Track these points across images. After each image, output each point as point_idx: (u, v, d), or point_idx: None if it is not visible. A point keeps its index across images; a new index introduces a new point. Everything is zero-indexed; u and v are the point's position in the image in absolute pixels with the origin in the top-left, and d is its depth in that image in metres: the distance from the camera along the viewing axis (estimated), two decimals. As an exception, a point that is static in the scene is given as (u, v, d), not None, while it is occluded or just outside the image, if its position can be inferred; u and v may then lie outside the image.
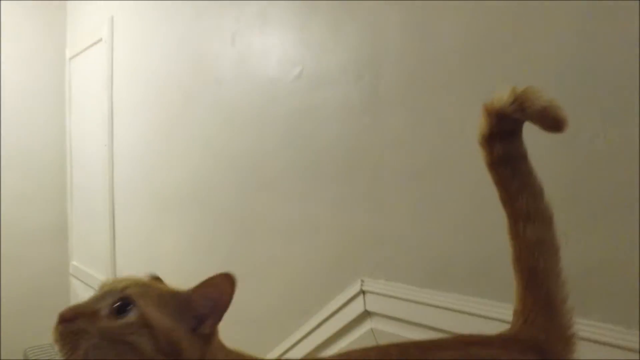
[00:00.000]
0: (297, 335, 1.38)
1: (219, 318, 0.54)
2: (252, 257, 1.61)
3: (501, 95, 0.59)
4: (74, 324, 0.49)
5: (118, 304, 0.50)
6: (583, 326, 0.71)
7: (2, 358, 3.01)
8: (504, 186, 0.64)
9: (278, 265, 1.52)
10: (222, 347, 0.58)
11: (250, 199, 1.65)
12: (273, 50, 1.56)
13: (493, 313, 0.93)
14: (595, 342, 0.80)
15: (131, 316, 0.50)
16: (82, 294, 3.07)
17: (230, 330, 1.57)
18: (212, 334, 0.54)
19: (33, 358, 2.91)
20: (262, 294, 1.52)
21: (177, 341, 0.51)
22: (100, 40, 2.74)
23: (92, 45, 2.86)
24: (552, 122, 0.55)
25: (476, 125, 0.64)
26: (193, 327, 0.53)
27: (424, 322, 1.07)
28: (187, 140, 2.02)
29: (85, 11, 3.04)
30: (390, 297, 1.14)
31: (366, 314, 1.19)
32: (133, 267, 2.43)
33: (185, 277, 1.81)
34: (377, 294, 1.17)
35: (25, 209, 3.11)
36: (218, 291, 0.53)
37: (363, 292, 1.19)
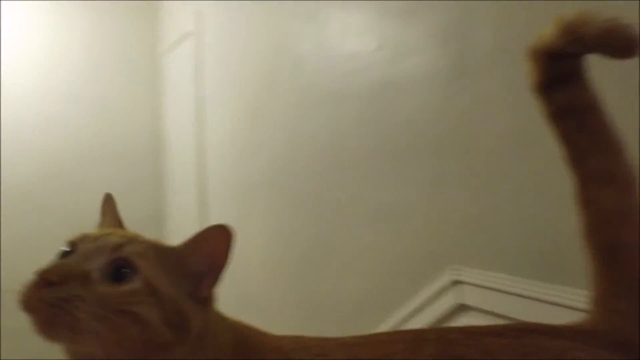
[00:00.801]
0: (383, 328, 1.28)
1: (216, 278, 0.46)
2: (335, 245, 1.53)
3: (546, 31, 0.45)
4: (63, 289, 0.39)
5: (114, 266, 0.42)
6: None
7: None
8: (570, 143, 0.51)
9: (362, 252, 1.42)
10: (222, 316, 0.50)
11: (331, 183, 1.56)
12: (352, 24, 1.46)
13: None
14: None
15: (135, 282, 0.41)
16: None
17: (310, 320, 1.50)
18: (210, 298, 0.46)
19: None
20: (345, 283, 1.44)
21: (184, 310, 0.43)
22: (189, 34, 2.81)
23: (182, 40, 2.94)
24: (620, 44, 0.42)
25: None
26: (190, 291, 0.45)
27: (529, 319, 0.91)
28: (270, 127, 1.98)
29: (174, 7, 3.14)
30: (490, 289, 1.00)
31: (461, 308, 1.05)
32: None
33: (270, 266, 1.78)
34: (474, 284, 1.02)
35: (124, 199, 3.26)
36: (213, 246, 0.46)
37: (457, 282, 1.05)
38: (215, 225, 0.46)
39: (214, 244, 0.46)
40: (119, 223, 0.56)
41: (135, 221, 2.72)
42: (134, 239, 0.46)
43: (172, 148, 3.24)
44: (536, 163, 0.93)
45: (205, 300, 0.46)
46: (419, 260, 1.20)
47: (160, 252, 0.46)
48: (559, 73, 0.49)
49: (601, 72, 0.62)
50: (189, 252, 0.46)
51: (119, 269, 0.42)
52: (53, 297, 0.39)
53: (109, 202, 0.57)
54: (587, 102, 0.50)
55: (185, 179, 2.95)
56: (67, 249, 0.45)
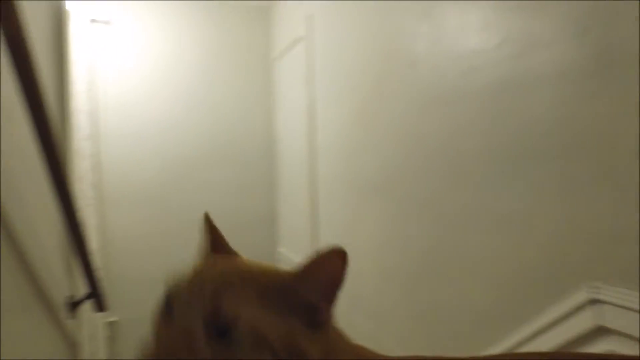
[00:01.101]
0: (506, 344, 1.19)
1: (333, 301, 0.43)
2: (454, 254, 1.46)
3: None
4: None
5: (215, 324, 0.40)
6: None
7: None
8: None
9: (482, 262, 1.33)
10: (342, 335, 0.47)
11: (448, 188, 1.49)
12: (471, 20, 1.38)
13: None
14: None
15: (239, 335, 0.40)
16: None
17: (424, 331, 1.45)
18: (329, 320, 0.44)
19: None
20: (465, 294, 1.36)
21: (297, 344, 0.41)
22: (300, 38, 2.87)
23: (293, 44, 3.02)
24: None
25: None
26: (306, 319, 0.43)
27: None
28: (382, 128, 1.95)
29: (285, 13, 3.23)
30: (634, 310, 0.88)
31: (600, 330, 0.94)
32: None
33: (382, 271, 1.75)
34: (616, 305, 0.91)
35: (240, 200, 3.47)
36: (329, 271, 0.43)
37: (595, 301, 0.95)
38: (329, 250, 0.43)
39: (330, 270, 0.43)
40: (220, 240, 0.54)
41: (250, 221, 2.87)
42: (233, 281, 0.44)
43: (285, 151, 3.35)
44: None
45: (323, 324, 0.45)
46: (548, 274, 1.10)
47: (267, 289, 0.44)
48: None
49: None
50: (303, 281, 0.44)
51: (222, 323, 0.41)
52: None
53: (207, 221, 0.54)
54: None
55: (297, 180, 3.03)
56: (166, 303, 0.44)
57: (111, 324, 2.97)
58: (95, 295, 1.71)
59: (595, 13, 0.98)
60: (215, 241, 0.53)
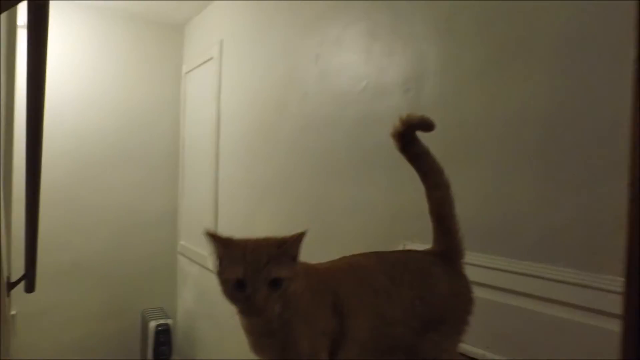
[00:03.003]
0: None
1: (299, 252, 0.79)
2: (327, 232, 2.05)
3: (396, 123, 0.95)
4: (269, 310, 0.71)
5: (272, 283, 0.71)
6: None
7: (124, 317, 3.70)
8: (418, 169, 1.00)
9: (346, 234, 1.94)
10: (300, 262, 0.80)
11: (325, 186, 2.09)
12: (346, 68, 1.99)
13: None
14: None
15: (282, 283, 0.71)
16: (187, 267, 3.69)
17: None
18: (297, 259, 0.78)
19: (148, 318, 3.55)
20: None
21: (297, 272, 0.75)
22: (211, 58, 3.33)
23: (204, 63, 3.47)
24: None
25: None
26: (292, 260, 0.76)
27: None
28: (280, 141, 2.50)
29: (200, 34, 3.67)
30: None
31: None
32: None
33: None
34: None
35: (144, 199, 3.81)
36: (298, 240, 0.77)
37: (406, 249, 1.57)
38: (299, 233, 0.75)
39: (298, 240, 0.76)
40: (229, 240, 0.78)
41: (155, 218, 3.42)
42: (270, 255, 0.71)
43: (190, 155, 3.75)
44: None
45: (296, 261, 0.77)
46: (382, 237, 1.73)
47: (280, 252, 0.72)
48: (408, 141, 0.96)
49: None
50: (290, 244, 0.74)
51: (274, 281, 0.71)
52: (270, 317, 0.72)
53: (213, 238, 0.77)
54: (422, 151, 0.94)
55: (201, 182, 3.44)
56: (240, 279, 0.70)
57: (12, 317, 2.99)
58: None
59: (413, 76, 1.63)
60: (226, 242, 0.76)
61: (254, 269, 0.70)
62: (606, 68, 1.07)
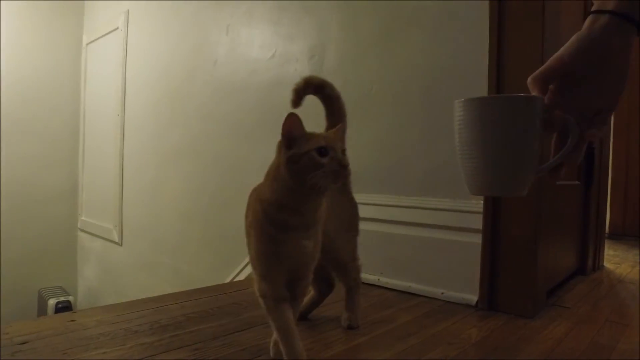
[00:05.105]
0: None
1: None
2: (237, 192, 2.16)
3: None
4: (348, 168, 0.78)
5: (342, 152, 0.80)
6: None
7: (20, 297, 3.53)
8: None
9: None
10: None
11: (235, 147, 2.20)
12: (256, 38, 2.12)
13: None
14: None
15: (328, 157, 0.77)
16: (88, 244, 3.60)
17: (216, 253, 2.09)
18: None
19: (45, 296, 3.42)
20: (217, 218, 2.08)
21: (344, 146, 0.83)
22: (116, 28, 3.28)
23: (108, 33, 3.40)
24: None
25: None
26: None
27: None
28: (187, 108, 2.56)
29: (102, 5, 3.58)
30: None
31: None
32: (137, 213, 2.97)
33: (181, 215, 2.44)
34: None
35: (41, 173, 3.65)
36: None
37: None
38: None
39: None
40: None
41: (53, 193, 3.40)
42: (337, 138, 0.81)
43: (92, 127, 3.65)
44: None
45: None
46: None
47: (330, 138, 0.81)
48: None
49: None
50: (337, 133, 0.84)
51: (343, 150, 0.80)
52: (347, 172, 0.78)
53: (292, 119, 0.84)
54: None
55: (104, 153, 3.38)
56: (323, 145, 0.78)
57: None
58: None
59: (318, 44, 1.79)
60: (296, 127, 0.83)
61: (332, 140, 0.79)
62: (470, 36, 1.31)
